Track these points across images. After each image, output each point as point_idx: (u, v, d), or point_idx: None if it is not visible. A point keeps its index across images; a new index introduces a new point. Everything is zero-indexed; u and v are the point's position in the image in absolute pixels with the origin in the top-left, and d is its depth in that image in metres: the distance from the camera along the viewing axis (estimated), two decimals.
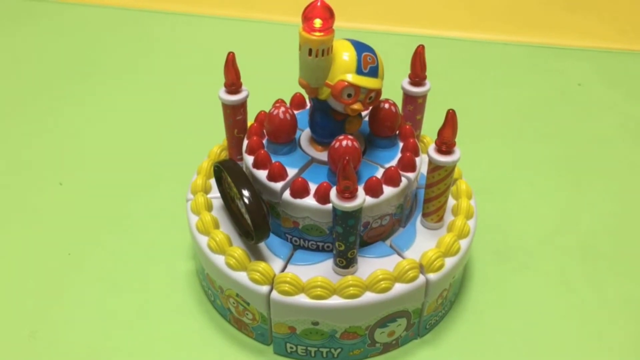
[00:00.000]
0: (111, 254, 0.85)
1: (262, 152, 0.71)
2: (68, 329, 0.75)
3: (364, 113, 0.75)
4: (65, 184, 0.96)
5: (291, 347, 0.72)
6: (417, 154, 0.73)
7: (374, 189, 0.68)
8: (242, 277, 0.69)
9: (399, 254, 0.71)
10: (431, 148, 0.68)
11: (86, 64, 1.26)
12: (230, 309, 0.74)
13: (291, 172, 0.71)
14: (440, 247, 0.71)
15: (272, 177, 0.70)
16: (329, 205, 0.65)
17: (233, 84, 0.75)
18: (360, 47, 0.67)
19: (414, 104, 0.79)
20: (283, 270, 0.70)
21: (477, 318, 0.78)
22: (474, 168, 0.91)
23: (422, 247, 0.71)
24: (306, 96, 0.72)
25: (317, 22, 0.63)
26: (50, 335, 0.75)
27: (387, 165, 0.71)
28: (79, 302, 0.78)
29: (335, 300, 0.67)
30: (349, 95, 0.66)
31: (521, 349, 0.74)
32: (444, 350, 0.74)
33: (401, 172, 0.70)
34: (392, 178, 0.69)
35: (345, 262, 0.68)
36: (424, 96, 0.79)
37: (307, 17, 0.64)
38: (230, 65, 0.74)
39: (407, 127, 0.75)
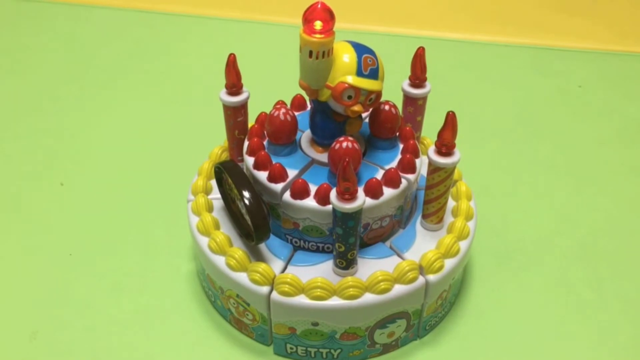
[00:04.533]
0: (112, 255, 0.85)
1: (263, 153, 0.72)
2: (69, 330, 0.75)
3: (364, 114, 0.75)
4: (66, 184, 0.97)
5: (291, 348, 0.72)
6: (417, 156, 0.73)
7: (374, 191, 0.68)
8: (242, 277, 0.69)
9: (399, 255, 0.72)
10: (431, 150, 0.69)
11: (87, 65, 1.27)
12: (231, 309, 0.74)
13: (291, 173, 0.71)
14: (440, 249, 0.71)
15: (272, 178, 0.70)
16: (329, 207, 0.65)
17: (234, 85, 0.75)
18: (361, 49, 0.67)
19: (414, 105, 0.80)
20: (283, 271, 0.70)
21: (477, 319, 0.78)
22: (474, 169, 0.92)
23: (422, 249, 0.71)
24: (307, 98, 0.72)
25: (318, 24, 0.63)
26: (51, 336, 0.75)
27: (387, 167, 0.72)
28: (80, 302, 0.79)
29: (335, 301, 0.67)
30: (349, 97, 0.67)
31: (521, 350, 0.75)
32: (443, 351, 0.74)
33: (401, 174, 0.71)
34: (392, 179, 0.69)
35: (345, 263, 0.68)
36: (424, 98, 0.79)
37: (308, 19, 0.64)
38: (231, 67, 0.74)
39: (407, 128, 0.75)
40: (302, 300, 0.67)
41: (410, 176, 0.72)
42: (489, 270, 0.84)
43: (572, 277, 0.83)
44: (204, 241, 0.73)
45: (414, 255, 0.71)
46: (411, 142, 0.74)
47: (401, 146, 0.75)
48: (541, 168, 1.02)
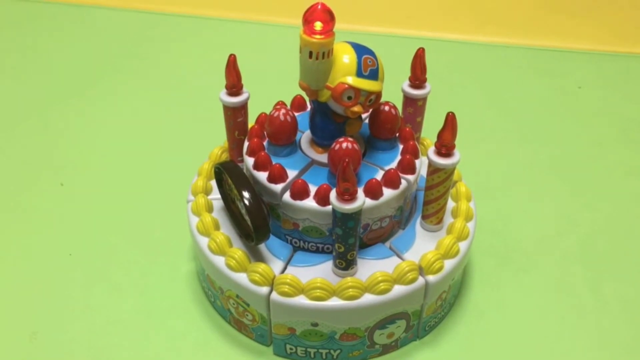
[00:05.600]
0: (112, 255, 0.85)
1: (263, 154, 0.72)
2: (69, 330, 0.76)
3: (364, 115, 0.75)
4: (66, 184, 0.97)
5: (291, 348, 0.72)
6: (416, 156, 0.74)
7: (373, 191, 0.68)
8: (242, 278, 0.69)
9: (399, 256, 0.72)
10: (431, 150, 0.69)
11: (87, 65, 1.27)
12: (230, 309, 0.74)
13: (291, 173, 0.71)
14: (440, 249, 0.71)
15: (272, 179, 0.70)
16: (329, 207, 0.65)
17: (234, 85, 0.75)
18: (361, 50, 0.67)
19: (414, 106, 0.80)
20: (283, 271, 0.70)
21: (476, 320, 0.78)
22: (474, 170, 0.92)
23: (422, 249, 0.72)
24: (307, 98, 0.73)
25: (318, 25, 0.63)
26: (51, 336, 0.75)
27: (387, 168, 0.72)
28: (79, 302, 0.79)
29: (334, 302, 0.67)
30: (349, 98, 0.67)
31: (520, 350, 0.75)
32: (443, 352, 0.74)
33: (401, 175, 0.71)
34: (391, 180, 0.70)
35: (345, 263, 0.68)
36: (424, 99, 0.79)
37: (308, 20, 0.64)
38: (231, 67, 0.75)
39: (407, 129, 0.75)
40: (302, 300, 0.67)
41: (410, 177, 0.72)
42: (488, 271, 0.84)
43: (571, 278, 0.83)
44: (203, 241, 0.73)
45: (413, 255, 0.71)
46: (411, 142, 0.74)
47: (401, 147, 0.75)
48: (541, 169, 1.02)
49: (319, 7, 0.64)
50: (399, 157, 0.73)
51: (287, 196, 0.69)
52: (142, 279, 0.82)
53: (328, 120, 0.71)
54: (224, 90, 0.76)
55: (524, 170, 1.02)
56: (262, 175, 0.71)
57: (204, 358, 0.73)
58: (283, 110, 0.72)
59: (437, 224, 0.74)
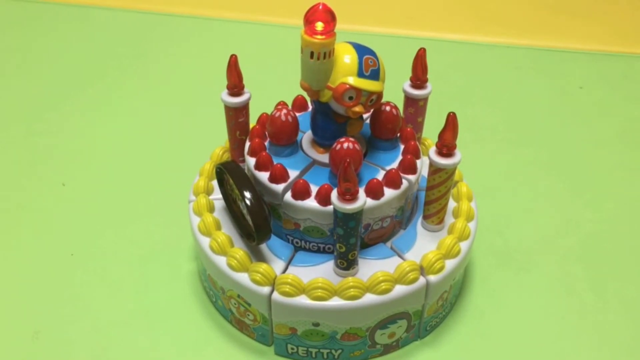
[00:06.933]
0: (113, 255, 0.85)
1: (264, 154, 0.72)
2: (71, 329, 0.76)
3: (365, 115, 0.75)
4: (68, 184, 0.97)
5: (292, 348, 0.72)
6: (418, 157, 0.74)
7: (374, 191, 0.68)
8: (243, 278, 0.69)
9: (400, 256, 0.72)
10: (432, 150, 0.69)
11: (88, 65, 1.27)
12: (232, 309, 0.75)
13: (293, 174, 0.71)
14: (441, 249, 0.71)
15: (273, 179, 0.70)
16: (330, 207, 0.65)
17: (235, 86, 0.76)
18: (362, 50, 0.68)
19: (415, 106, 0.80)
20: (284, 271, 0.70)
21: (477, 320, 0.78)
22: (475, 170, 0.92)
23: (423, 249, 0.72)
24: (308, 98, 0.73)
25: (319, 26, 0.64)
26: (53, 336, 0.75)
27: (388, 168, 0.72)
28: (81, 302, 0.79)
29: (335, 302, 0.67)
30: (350, 98, 0.67)
31: (521, 351, 0.75)
32: (444, 352, 0.74)
33: (402, 175, 0.71)
34: (393, 180, 0.70)
35: (346, 263, 0.68)
36: (425, 99, 0.79)
37: (309, 20, 0.64)
38: (233, 68, 0.75)
39: (408, 129, 0.76)
40: (303, 300, 0.67)
41: (411, 177, 0.72)
42: (489, 271, 0.84)
43: (572, 278, 0.83)
44: (205, 241, 0.73)
45: (414, 255, 0.71)
46: (412, 143, 0.74)
47: (402, 147, 0.75)
48: (542, 169, 1.02)
49: (320, 7, 0.64)
50: (400, 157, 0.73)
51: (288, 196, 0.69)
52: (143, 278, 0.82)
53: (329, 121, 0.71)
54: (226, 91, 0.76)
55: (526, 170, 1.02)
56: (264, 175, 0.71)
57: (205, 358, 0.73)
58: (284, 111, 0.72)
59: (438, 224, 0.74)
